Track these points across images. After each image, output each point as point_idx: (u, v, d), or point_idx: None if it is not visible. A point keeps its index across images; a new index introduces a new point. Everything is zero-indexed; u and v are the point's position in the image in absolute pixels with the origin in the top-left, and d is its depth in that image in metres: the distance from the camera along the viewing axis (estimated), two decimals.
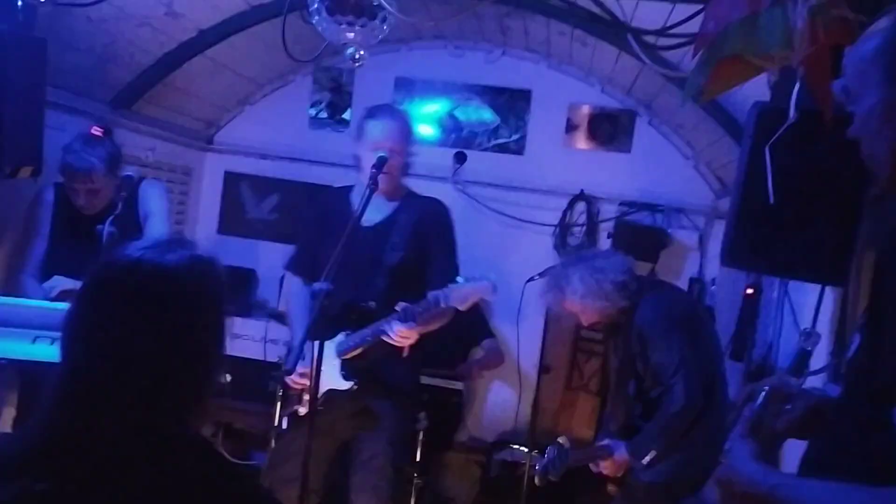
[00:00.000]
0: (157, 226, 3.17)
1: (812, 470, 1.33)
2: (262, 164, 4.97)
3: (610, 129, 4.67)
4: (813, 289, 2.46)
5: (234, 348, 4.00)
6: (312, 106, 4.97)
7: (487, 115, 4.81)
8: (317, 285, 2.27)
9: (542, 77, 4.70)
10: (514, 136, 4.79)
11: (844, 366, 1.40)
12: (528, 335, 4.08)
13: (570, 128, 4.72)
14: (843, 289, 2.26)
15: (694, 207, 4.51)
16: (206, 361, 1.16)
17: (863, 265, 2.06)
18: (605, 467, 2.89)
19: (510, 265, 4.28)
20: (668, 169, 4.57)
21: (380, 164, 2.66)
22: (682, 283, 4.37)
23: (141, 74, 3.80)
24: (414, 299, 2.63)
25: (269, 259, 4.84)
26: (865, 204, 1.97)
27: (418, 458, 3.64)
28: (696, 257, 4.51)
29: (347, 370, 2.69)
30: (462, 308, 2.52)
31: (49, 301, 2.82)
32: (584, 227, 4.63)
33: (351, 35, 2.26)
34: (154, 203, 3.20)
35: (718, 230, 4.31)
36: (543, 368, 3.86)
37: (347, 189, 2.96)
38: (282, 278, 4.61)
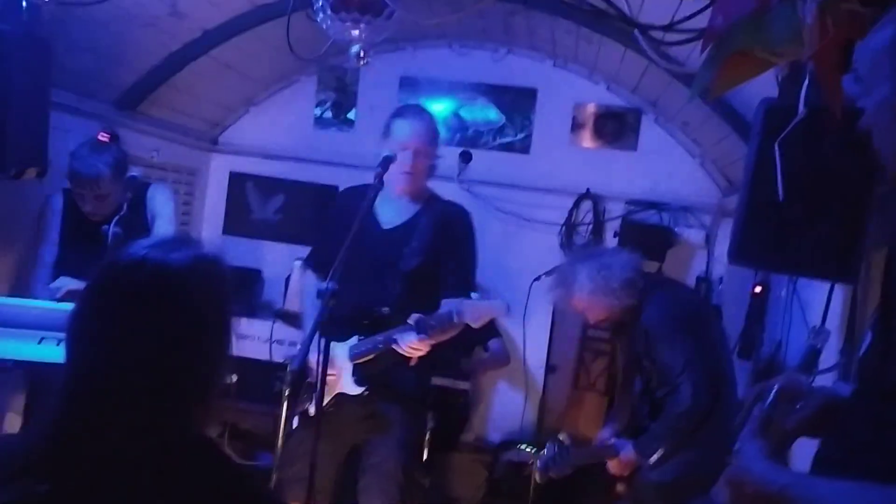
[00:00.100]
0: (164, 228, 3.17)
1: (824, 468, 1.32)
2: (267, 164, 4.97)
3: (616, 128, 4.65)
4: (822, 286, 2.44)
5: (239, 349, 3.96)
6: (317, 106, 4.97)
7: (493, 114, 4.80)
8: (323, 284, 2.27)
9: (548, 76, 4.68)
10: (520, 135, 4.78)
11: (856, 363, 1.38)
12: (534, 334, 4.08)
13: (576, 126, 4.70)
14: (853, 286, 2.25)
15: (701, 206, 4.49)
16: (211, 361, 1.15)
17: (873, 262, 2.04)
18: (612, 467, 2.88)
19: (516, 264, 4.28)
20: (674, 167, 4.56)
21: (385, 164, 2.65)
22: (689, 282, 4.36)
23: (146, 75, 3.80)
24: (428, 306, 2.62)
25: (274, 259, 4.84)
26: (875, 200, 1.96)
27: (424, 459, 3.63)
28: (703, 256, 4.49)
29: (359, 375, 2.68)
30: (475, 325, 2.52)
31: (55, 302, 2.82)
32: (591, 226, 4.61)
33: (355, 32, 2.25)
34: (161, 205, 3.21)
35: (725, 228, 4.30)
36: (550, 368, 3.86)
37: (369, 186, 2.91)
38: (287, 278, 4.62)
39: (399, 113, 2.84)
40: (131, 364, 1.07)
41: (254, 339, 4.28)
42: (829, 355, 2.30)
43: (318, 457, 2.30)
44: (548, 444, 2.99)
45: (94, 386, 1.08)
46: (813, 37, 1.39)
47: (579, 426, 4.49)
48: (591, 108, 4.68)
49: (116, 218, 2.99)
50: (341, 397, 2.69)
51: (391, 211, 2.78)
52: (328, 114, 4.97)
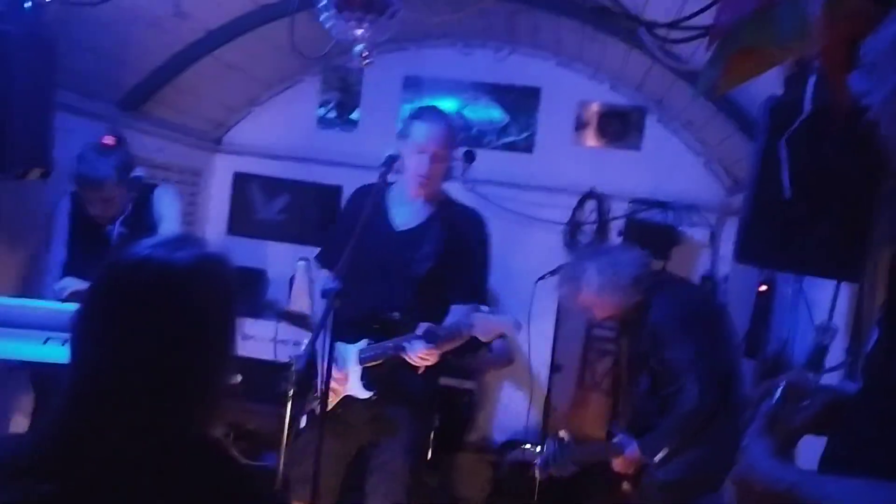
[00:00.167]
0: (169, 230, 3.18)
1: (832, 467, 1.31)
2: (271, 164, 4.97)
3: (620, 127, 4.65)
4: (828, 285, 2.43)
5: (243, 349, 4.00)
6: (321, 106, 4.97)
7: (496, 113, 4.79)
8: (328, 285, 2.26)
9: (551, 75, 4.68)
10: (523, 135, 4.78)
11: (863, 360, 1.38)
12: (538, 334, 4.06)
13: (580, 125, 4.70)
14: (859, 284, 2.24)
15: (705, 204, 4.48)
16: (216, 360, 1.15)
17: (879, 260, 2.03)
18: (617, 465, 2.87)
19: (520, 264, 4.27)
20: (678, 166, 4.55)
21: (388, 163, 2.64)
22: (694, 281, 4.35)
23: (149, 76, 3.81)
24: (438, 311, 2.61)
25: (278, 259, 4.85)
26: (881, 198, 1.94)
27: (429, 458, 3.62)
28: (708, 255, 4.49)
29: (368, 379, 2.67)
30: (483, 339, 2.52)
31: (60, 302, 2.83)
32: (595, 226, 4.61)
33: (359, 31, 2.25)
34: (167, 207, 3.22)
35: (730, 227, 4.29)
36: (554, 367, 3.84)
37: (386, 184, 2.89)
38: (291, 278, 4.62)
39: (418, 115, 2.80)
40: (135, 363, 1.06)
41: (258, 339, 4.28)
42: (836, 354, 2.29)
43: (326, 457, 2.30)
44: (548, 441, 2.98)
45: (98, 385, 1.07)
46: (819, 33, 1.38)
47: (584, 426, 4.48)
48: (594, 107, 4.67)
49: (121, 218, 3.00)
50: (349, 399, 2.69)
51: (405, 213, 2.76)
52: (332, 114, 4.97)
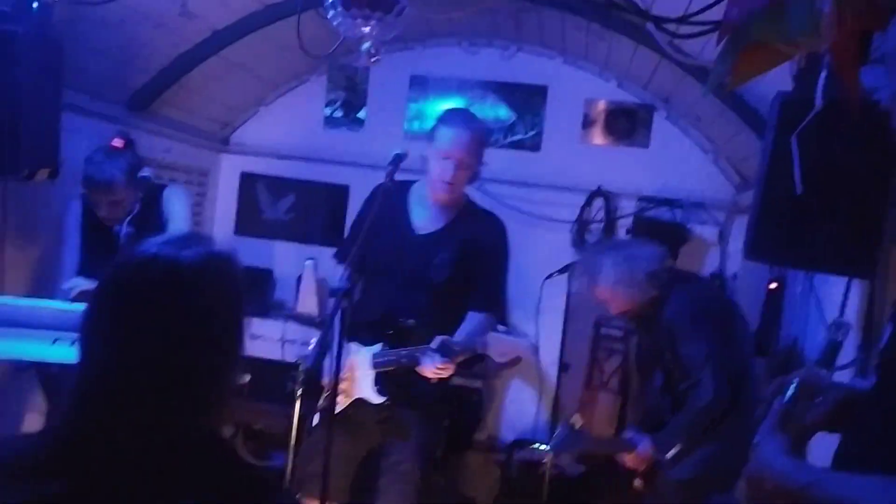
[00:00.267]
0: (178, 229, 3.17)
1: (845, 464, 1.30)
2: (278, 164, 4.97)
3: (627, 124, 4.63)
4: (839, 282, 2.41)
5: (251, 349, 3.98)
6: (327, 105, 4.97)
7: (503, 112, 4.78)
8: (337, 284, 2.25)
9: (558, 73, 4.67)
10: (530, 133, 4.77)
11: (876, 357, 1.36)
12: (547, 333, 4.06)
13: (587, 123, 4.68)
14: (871, 281, 2.22)
15: (714, 202, 4.46)
16: (224, 358, 1.14)
17: (891, 256, 2.02)
18: (629, 461, 2.85)
19: (528, 262, 4.26)
20: (687, 163, 4.53)
21: (395, 162, 2.63)
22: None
23: (156, 76, 3.81)
24: (454, 318, 2.60)
25: (285, 259, 4.85)
26: (893, 193, 1.93)
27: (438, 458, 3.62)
28: (717, 252, 4.46)
29: (381, 385, 2.67)
30: (497, 360, 2.51)
31: (68, 302, 2.83)
32: (603, 224, 4.59)
33: (366, 29, 2.24)
34: (176, 207, 3.22)
35: (739, 225, 4.27)
36: (563, 366, 3.83)
37: (407, 184, 2.84)
38: (298, 278, 4.62)
39: (446, 119, 2.73)
40: (142, 362, 1.06)
41: (266, 339, 4.29)
42: (847, 351, 2.27)
43: (336, 457, 2.29)
44: (559, 426, 2.96)
45: (106, 384, 1.07)
46: (830, 28, 1.37)
47: (593, 425, 4.47)
48: (602, 105, 4.66)
49: (129, 218, 3.00)
50: (360, 400, 2.69)
51: (425, 216, 2.73)
52: (338, 113, 4.97)
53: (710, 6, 1.91)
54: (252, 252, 4.69)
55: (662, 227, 4.39)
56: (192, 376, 1.09)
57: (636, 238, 4.17)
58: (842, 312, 2.36)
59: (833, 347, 1.45)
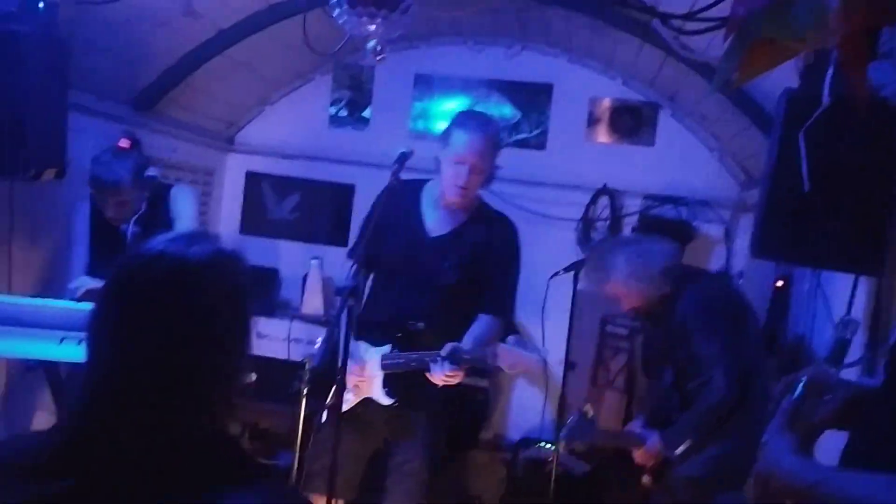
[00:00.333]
0: (184, 228, 3.18)
1: (853, 462, 1.29)
2: (283, 163, 4.98)
3: (632, 122, 4.62)
4: (846, 279, 2.40)
5: (257, 348, 4.00)
6: (332, 104, 4.97)
7: (507, 110, 4.78)
8: (343, 283, 2.25)
9: (563, 71, 4.66)
10: (535, 132, 4.76)
11: (886, 355, 1.36)
12: (552, 331, 4.04)
13: (592, 122, 4.68)
14: (878, 278, 2.21)
15: (719, 200, 4.45)
16: (231, 356, 1.14)
17: None
18: (638, 457, 2.85)
19: (533, 261, 4.23)
20: (692, 161, 4.52)
21: (401, 160, 2.62)
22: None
23: (161, 75, 3.82)
24: (464, 321, 2.60)
25: (291, 258, 4.85)
26: None
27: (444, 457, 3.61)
28: (722, 250, 4.45)
29: (390, 388, 2.67)
30: (507, 371, 2.51)
31: (74, 301, 2.84)
32: (608, 222, 4.58)
33: (372, 27, 2.24)
34: (182, 206, 3.22)
35: (745, 223, 4.26)
36: (569, 365, 3.82)
37: (420, 183, 2.83)
38: (304, 277, 4.63)
39: (460, 122, 2.68)
40: (149, 359, 1.06)
41: (271, 338, 4.28)
42: (854, 349, 2.26)
43: (345, 454, 2.29)
44: (572, 414, 2.94)
45: (113, 382, 1.07)
46: (837, 23, 1.36)
47: (599, 424, 4.47)
48: (607, 103, 4.65)
49: (135, 217, 3.01)
50: (368, 399, 2.69)
51: (437, 217, 2.73)
52: (343, 112, 4.97)
53: (717, 2, 1.91)
54: (257, 251, 4.70)
55: (668, 225, 4.38)
56: (197, 374, 1.09)
57: (649, 234, 4.15)
58: (849, 310, 2.36)
59: (841, 345, 1.44)
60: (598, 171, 4.59)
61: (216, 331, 1.11)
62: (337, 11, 2.27)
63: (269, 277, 4.74)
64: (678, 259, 2.90)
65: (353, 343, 2.32)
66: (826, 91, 1.74)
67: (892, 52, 1.15)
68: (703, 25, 2.03)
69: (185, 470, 1.05)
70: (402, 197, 2.69)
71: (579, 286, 3.32)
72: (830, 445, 1.43)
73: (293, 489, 2.17)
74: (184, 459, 1.06)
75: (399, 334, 2.66)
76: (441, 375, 2.52)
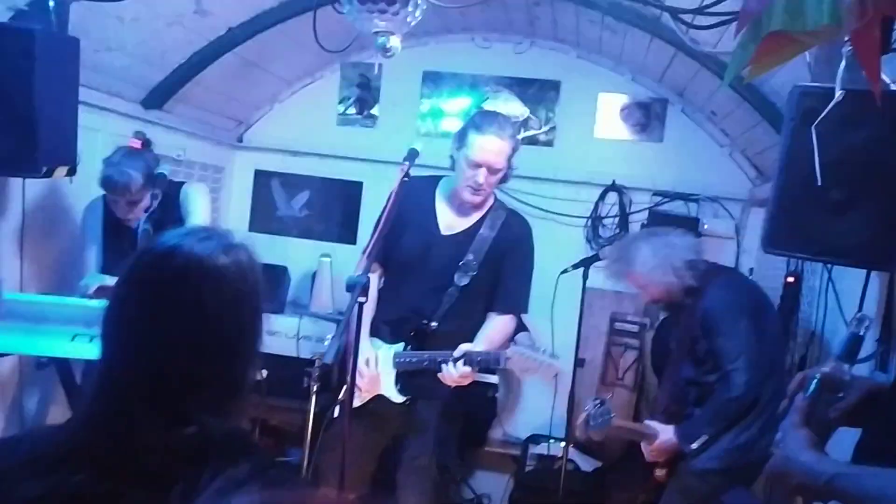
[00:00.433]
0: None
1: (866, 457, 1.29)
2: (292, 161, 4.98)
3: (641, 119, 4.61)
4: (858, 275, 2.39)
5: (266, 345, 3.99)
6: (341, 102, 4.97)
7: (516, 107, 4.77)
8: (352, 278, 2.25)
9: (572, 67, 4.64)
10: (544, 128, 4.75)
11: None
12: (562, 328, 4.04)
13: (601, 118, 4.66)
14: (891, 273, 2.20)
15: (729, 196, 4.43)
16: (243, 349, 1.15)
17: None
18: (652, 450, 2.84)
19: (542, 258, 4.23)
20: (701, 157, 4.50)
21: (410, 157, 2.62)
22: None
23: (171, 73, 3.82)
24: (476, 320, 2.61)
25: (300, 256, 4.86)
26: None
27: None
28: (733, 247, 4.43)
29: (403, 385, 2.67)
30: (519, 376, 2.51)
31: (86, 298, 2.85)
32: (617, 219, 4.57)
33: (382, 23, 2.24)
34: (194, 204, 3.24)
35: (755, 219, 4.24)
36: (578, 362, 3.81)
37: (434, 180, 2.84)
38: (313, 274, 4.63)
39: (478, 125, 2.65)
40: (162, 352, 1.07)
41: (281, 335, 4.29)
42: (866, 344, 2.25)
43: (357, 449, 2.31)
44: (590, 401, 2.93)
45: (126, 375, 1.08)
46: (852, 16, 1.35)
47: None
48: (616, 100, 4.63)
49: (146, 215, 3.03)
50: (380, 395, 2.70)
51: (452, 216, 2.73)
52: (352, 110, 4.97)
53: None
54: (267, 249, 4.70)
55: (677, 221, 4.36)
56: (211, 366, 1.09)
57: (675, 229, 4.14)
58: (861, 306, 2.34)
59: (855, 341, 1.43)
60: (606, 167, 4.57)
61: (229, 323, 1.11)
62: (347, 8, 2.27)
63: (278, 275, 4.74)
64: (702, 254, 2.90)
65: (365, 340, 2.33)
66: (838, 85, 1.72)
67: None
68: (714, 20, 2.02)
69: (198, 464, 1.06)
70: (416, 194, 2.69)
71: (588, 282, 3.31)
72: (842, 441, 1.43)
73: (305, 482, 2.18)
74: (196, 453, 1.06)
75: (412, 333, 2.67)
76: (453, 376, 2.53)
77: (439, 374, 2.56)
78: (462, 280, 2.68)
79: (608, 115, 4.65)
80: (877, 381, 1.51)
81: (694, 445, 2.72)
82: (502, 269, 2.72)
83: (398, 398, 2.68)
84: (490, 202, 2.79)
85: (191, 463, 1.05)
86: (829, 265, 2.74)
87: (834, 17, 1.36)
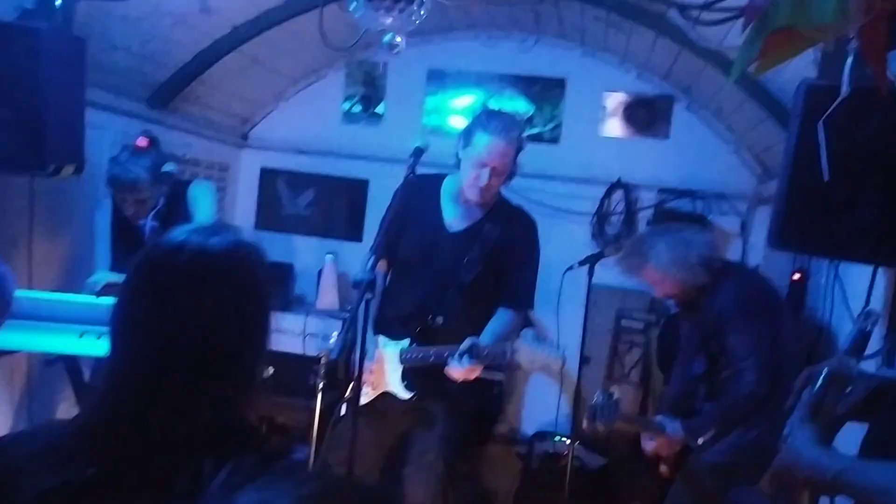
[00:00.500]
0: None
1: (873, 451, 1.29)
2: (298, 159, 5.00)
3: (647, 116, 4.61)
4: (864, 271, 2.39)
5: (273, 343, 4.01)
6: (346, 100, 4.98)
7: (521, 104, 4.77)
8: (359, 275, 2.25)
9: (577, 65, 4.65)
10: (549, 126, 4.75)
11: None
12: (567, 325, 4.03)
13: (606, 115, 4.66)
14: None
15: (735, 193, 4.43)
16: (250, 344, 1.15)
17: None
18: (658, 445, 2.84)
19: (548, 255, 4.23)
20: (707, 154, 4.50)
21: (416, 155, 2.62)
22: None
23: (177, 72, 3.84)
24: (483, 316, 2.61)
25: (306, 253, 4.87)
26: None
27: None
28: (739, 243, 4.43)
29: (409, 381, 2.68)
30: (525, 368, 2.50)
31: (94, 296, 2.86)
32: (622, 216, 4.57)
33: (388, 21, 2.24)
34: (201, 202, 3.24)
35: (761, 216, 4.24)
36: (584, 359, 3.81)
37: (439, 178, 2.82)
38: (319, 272, 4.65)
39: (483, 124, 2.62)
40: (171, 347, 1.07)
41: (287, 333, 4.31)
42: (873, 340, 2.25)
43: (364, 445, 2.30)
44: (597, 394, 2.92)
45: (135, 370, 1.08)
46: (859, 11, 1.35)
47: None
48: (621, 97, 4.63)
49: (153, 213, 3.04)
50: (387, 392, 2.70)
51: (457, 213, 2.73)
52: (357, 108, 4.98)
53: None
54: (273, 247, 4.71)
55: (683, 218, 4.36)
56: (220, 361, 1.10)
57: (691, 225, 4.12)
58: (867, 301, 2.34)
59: (862, 337, 1.43)
60: (612, 164, 4.57)
61: (237, 318, 1.12)
62: (353, 6, 2.27)
63: (284, 273, 4.76)
64: (717, 251, 2.90)
65: (372, 337, 2.33)
66: (845, 81, 1.72)
67: None
68: (720, 16, 2.01)
69: (207, 459, 1.06)
70: (421, 192, 2.69)
71: (594, 279, 3.31)
72: (849, 436, 1.43)
73: (315, 474, 2.18)
74: (206, 447, 1.07)
75: (418, 329, 2.67)
76: (459, 370, 2.53)
77: (446, 369, 2.56)
78: (467, 277, 2.68)
79: (613, 113, 4.65)
80: (884, 377, 1.51)
81: (700, 441, 2.72)
82: (508, 264, 2.72)
83: (405, 394, 2.68)
84: (495, 199, 2.79)
85: (200, 456, 1.06)
86: (835, 261, 2.74)
87: (841, 13, 1.36)
